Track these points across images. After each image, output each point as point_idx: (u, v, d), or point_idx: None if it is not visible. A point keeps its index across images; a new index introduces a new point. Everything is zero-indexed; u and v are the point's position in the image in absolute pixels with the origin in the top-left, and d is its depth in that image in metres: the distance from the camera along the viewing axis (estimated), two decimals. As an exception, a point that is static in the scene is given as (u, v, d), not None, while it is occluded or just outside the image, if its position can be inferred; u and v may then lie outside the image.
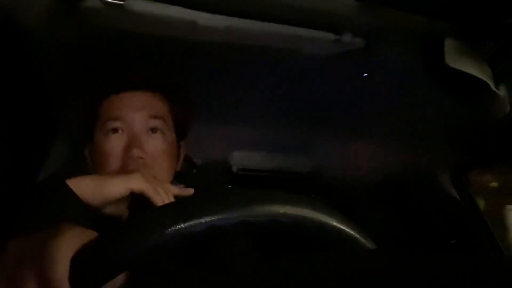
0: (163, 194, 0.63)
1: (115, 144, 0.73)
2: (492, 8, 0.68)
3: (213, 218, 0.37)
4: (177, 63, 0.87)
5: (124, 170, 0.71)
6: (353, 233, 0.44)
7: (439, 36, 0.78)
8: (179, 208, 0.39)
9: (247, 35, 0.73)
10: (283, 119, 1.17)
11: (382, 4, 0.70)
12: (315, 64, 0.88)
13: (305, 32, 0.73)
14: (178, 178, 0.79)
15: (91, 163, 0.80)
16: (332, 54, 0.81)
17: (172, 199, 0.65)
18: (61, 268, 0.34)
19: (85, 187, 0.60)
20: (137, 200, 0.63)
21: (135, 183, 0.61)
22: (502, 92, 0.80)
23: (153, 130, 0.76)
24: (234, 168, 1.28)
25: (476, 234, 1.28)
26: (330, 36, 0.75)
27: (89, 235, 0.38)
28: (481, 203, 1.33)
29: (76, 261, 0.35)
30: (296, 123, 1.20)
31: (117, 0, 0.62)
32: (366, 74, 0.92)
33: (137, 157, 0.72)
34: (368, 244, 0.45)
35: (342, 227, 0.43)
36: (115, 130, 0.74)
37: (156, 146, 0.75)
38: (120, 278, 0.38)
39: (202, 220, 0.37)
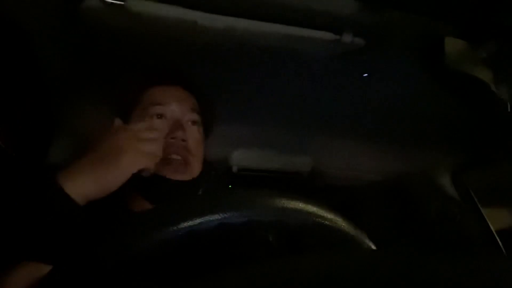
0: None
1: (158, 127, 0.76)
2: (492, 8, 0.69)
3: (223, 215, 0.38)
4: (176, 63, 0.87)
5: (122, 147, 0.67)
6: (353, 234, 0.44)
7: (439, 36, 0.78)
8: (187, 207, 0.40)
9: (247, 35, 0.73)
10: (283, 118, 1.17)
11: (382, 4, 0.70)
12: (315, 64, 0.88)
13: (305, 32, 0.73)
14: (202, 180, 0.80)
15: None
16: (332, 54, 0.81)
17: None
18: None
19: (81, 187, 0.58)
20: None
21: (131, 167, 0.60)
22: (502, 92, 0.80)
23: (193, 122, 0.82)
24: (234, 168, 1.28)
25: (476, 234, 1.28)
26: (330, 36, 0.75)
27: (43, 269, 0.40)
28: (481, 203, 1.33)
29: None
30: (296, 122, 1.20)
31: (118, 1, 0.62)
32: (366, 74, 0.93)
33: (181, 139, 0.77)
34: (367, 244, 0.45)
35: (343, 227, 0.43)
36: (159, 116, 0.79)
37: (195, 136, 0.81)
38: None
39: (212, 218, 0.38)
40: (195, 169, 0.79)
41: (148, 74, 0.85)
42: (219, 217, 0.38)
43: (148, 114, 0.79)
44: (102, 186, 0.59)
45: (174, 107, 0.80)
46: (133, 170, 0.60)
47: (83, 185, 0.58)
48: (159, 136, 0.67)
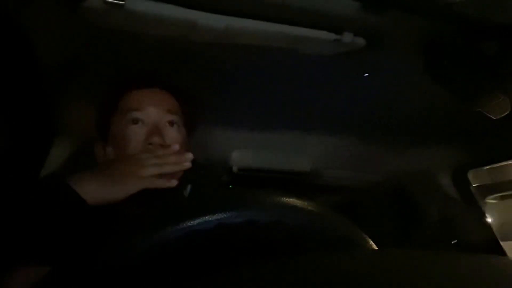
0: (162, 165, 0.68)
1: (136, 133, 0.79)
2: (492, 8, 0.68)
3: (222, 216, 0.38)
4: (177, 63, 0.87)
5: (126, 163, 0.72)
6: (354, 234, 0.44)
7: (439, 36, 0.78)
8: (187, 207, 0.40)
9: (247, 35, 0.73)
10: (283, 118, 1.17)
11: (383, 4, 0.70)
12: (315, 64, 0.88)
13: (306, 32, 0.73)
14: (187, 179, 0.80)
15: (103, 157, 0.83)
16: (333, 53, 0.81)
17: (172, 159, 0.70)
18: None
19: (86, 191, 0.61)
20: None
21: (133, 188, 0.65)
22: (502, 92, 0.80)
23: (171, 123, 0.82)
24: (235, 168, 1.28)
25: (477, 234, 1.28)
26: (331, 36, 0.75)
27: (42, 271, 0.41)
28: (482, 203, 1.33)
29: None
30: (296, 122, 1.20)
31: (118, 0, 0.62)
32: (366, 74, 0.92)
33: (158, 144, 0.77)
34: (368, 244, 0.45)
35: (344, 227, 0.43)
36: (135, 121, 0.80)
37: (174, 137, 0.81)
38: None
39: (211, 218, 0.38)
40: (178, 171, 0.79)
41: (124, 78, 0.86)
42: (218, 218, 0.38)
43: (125, 120, 0.80)
44: (105, 196, 0.63)
45: (150, 110, 0.80)
46: (134, 191, 0.65)
47: (89, 190, 0.61)
48: (161, 161, 0.70)
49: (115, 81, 0.86)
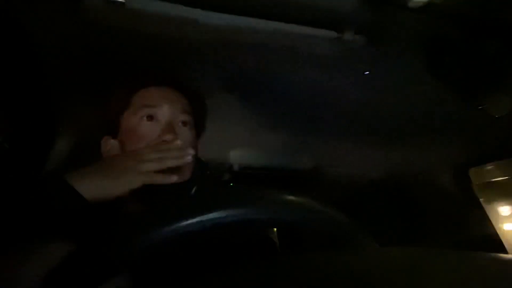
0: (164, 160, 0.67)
1: (149, 130, 0.78)
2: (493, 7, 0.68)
3: (219, 214, 0.38)
4: (177, 61, 0.87)
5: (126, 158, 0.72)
6: (356, 231, 0.44)
7: (440, 35, 0.78)
8: (183, 206, 0.40)
9: (248, 33, 0.73)
10: (284, 117, 1.17)
11: (383, 2, 0.70)
12: (316, 62, 0.88)
13: (307, 30, 0.73)
14: (194, 180, 0.80)
15: (108, 152, 0.83)
16: (334, 52, 0.81)
17: (176, 152, 0.69)
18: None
19: (84, 188, 0.61)
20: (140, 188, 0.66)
21: (131, 183, 0.64)
22: (502, 90, 0.80)
23: (184, 123, 0.81)
24: (235, 166, 1.28)
25: (479, 232, 1.28)
26: (332, 34, 0.75)
27: (66, 248, 0.41)
28: (484, 201, 1.32)
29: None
30: (297, 121, 1.20)
31: (118, -2, 0.62)
32: (367, 72, 0.92)
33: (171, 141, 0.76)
34: (370, 242, 0.45)
35: (345, 226, 0.43)
36: (150, 117, 0.79)
37: (187, 137, 0.80)
38: None
39: (208, 217, 0.38)
40: (187, 171, 0.78)
41: (140, 75, 0.85)
42: (215, 216, 0.38)
43: (139, 116, 0.79)
44: (102, 192, 0.63)
45: (165, 108, 0.80)
46: (133, 187, 0.64)
47: (87, 187, 0.61)
48: (161, 156, 0.69)
49: (115, 80, 0.86)
